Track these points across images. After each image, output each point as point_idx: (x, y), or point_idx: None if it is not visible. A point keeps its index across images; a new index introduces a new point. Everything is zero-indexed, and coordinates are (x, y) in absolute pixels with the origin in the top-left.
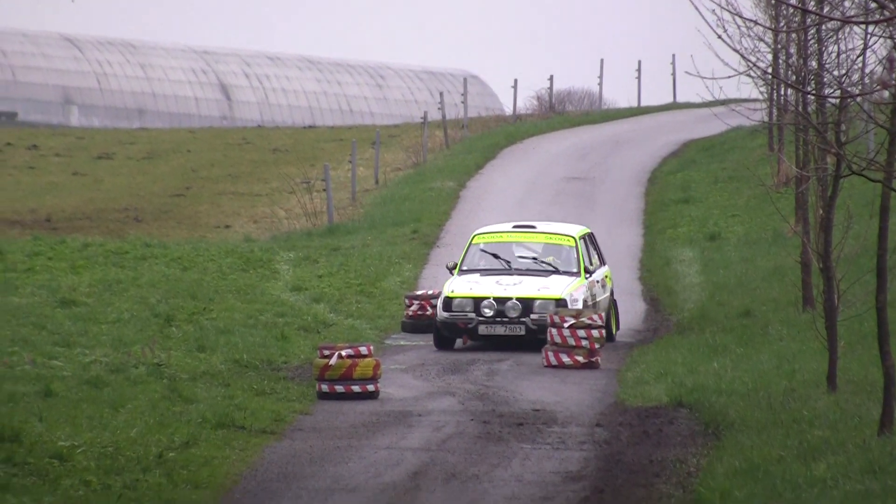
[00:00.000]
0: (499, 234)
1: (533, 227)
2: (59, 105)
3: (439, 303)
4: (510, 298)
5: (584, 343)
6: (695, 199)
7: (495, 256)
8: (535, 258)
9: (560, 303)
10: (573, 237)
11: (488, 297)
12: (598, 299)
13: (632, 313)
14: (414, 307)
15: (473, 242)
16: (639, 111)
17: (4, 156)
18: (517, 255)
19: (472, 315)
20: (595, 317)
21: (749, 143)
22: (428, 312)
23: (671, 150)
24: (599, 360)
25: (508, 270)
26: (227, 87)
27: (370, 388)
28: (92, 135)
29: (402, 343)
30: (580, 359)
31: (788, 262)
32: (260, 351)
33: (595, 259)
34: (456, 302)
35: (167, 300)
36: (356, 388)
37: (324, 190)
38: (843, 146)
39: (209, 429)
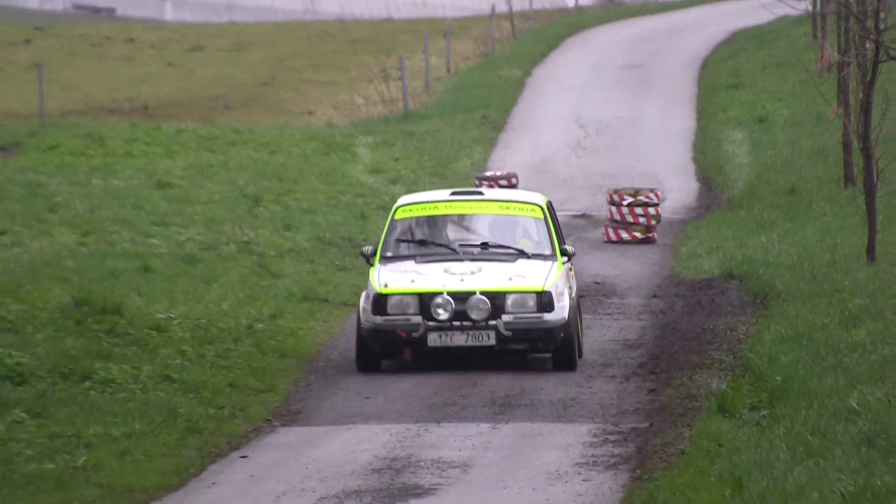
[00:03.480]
0: (432, 206)
1: (480, 193)
2: (154, 0)
3: (365, 304)
4: (472, 293)
5: (641, 220)
6: (744, 84)
7: (423, 242)
8: (485, 243)
9: (543, 297)
10: (540, 206)
11: (441, 293)
12: (573, 293)
13: (685, 191)
14: (483, 187)
15: (396, 218)
16: (692, 2)
17: (104, 49)
18: (455, 235)
19: (418, 319)
20: (651, 195)
21: (794, 31)
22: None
23: (722, 39)
24: (656, 236)
25: (455, 254)
26: None
27: None
28: (184, 28)
29: None
30: (638, 234)
31: (831, 142)
32: (341, 229)
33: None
34: (393, 301)
35: (255, 182)
36: None
37: (399, 79)
38: (881, 33)
39: (294, 302)
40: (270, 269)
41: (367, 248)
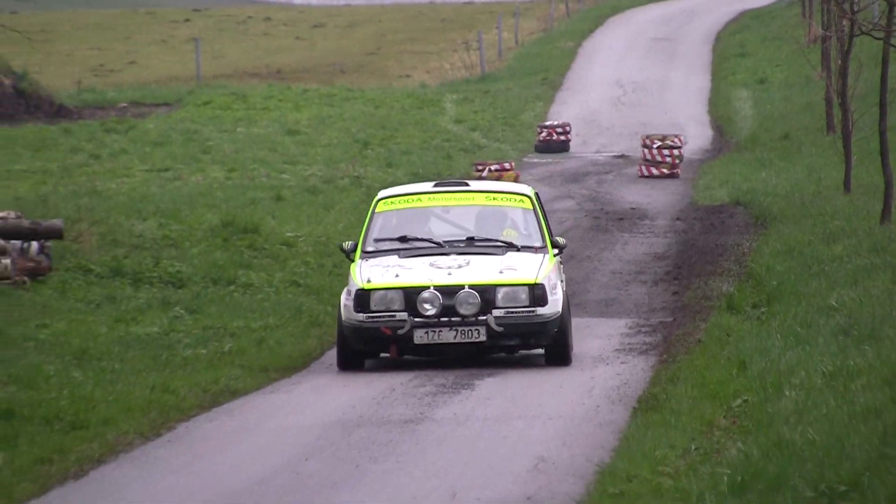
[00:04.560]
0: (415, 198)
1: (465, 184)
2: None
3: (346, 300)
4: (461, 287)
5: (667, 159)
6: (748, 53)
7: (406, 237)
8: (470, 238)
9: (536, 290)
10: (528, 196)
11: (427, 287)
12: (563, 287)
13: (702, 137)
14: (543, 134)
15: (378, 211)
16: None
17: (247, 26)
18: (440, 228)
19: (404, 315)
20: (676, 140)
21: (788, 12)
22: (554, 138)
23: (731, 18)
24: (679, 172)
25: (440, 248)
26: None
27: None
28: (310, 10)
29: (534, 160)
30: (665, 170)
31: (816, 99)
32: (431, 166)
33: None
34: (377, 297)
35: (364, 130)
36: None
37: (477, 49)
38: (855, 14)
39: None
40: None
41: (347, 244)
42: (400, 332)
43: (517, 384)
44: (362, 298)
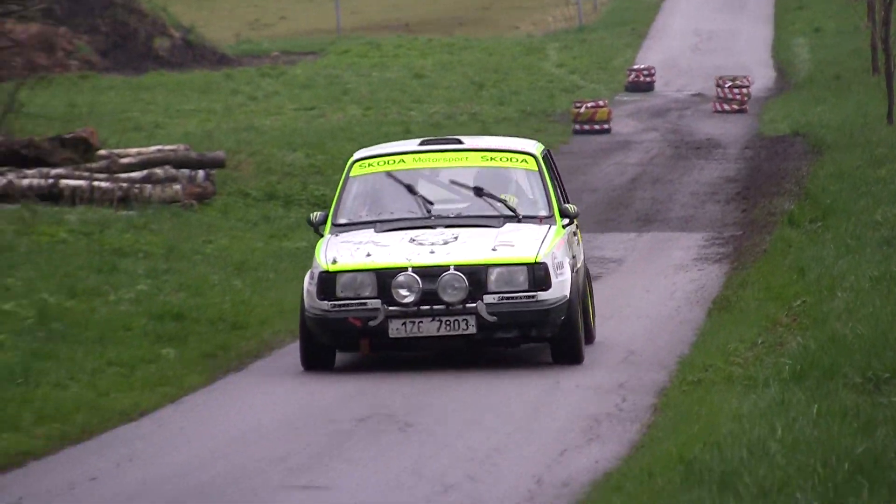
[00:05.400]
0: (397, 159)
1: (458, 142)
2: None
3: (309, 286)
4: (446, 267)
5: (737, 97)
6: (805, 6)
7: (384, 205)
8: (480, 189)
9: (536, 271)
10: (533, 155)
11: (405, 268)
12: (578, 265)
13: (766, 78)
14: (632, 76)
15: (352, 175)
16: None
17: None
18: (427, 194)
19: (377, 303)
20: (744, 80)
21: None
22: (641, 80)
23: None
24: (747, 108)
25: (427, 218)
26: None
27: (606, 126)
28: None
29: (624, 98)
30: (735, 107)
31: (863, 45)
32: (537, 104)
33: (559, 192)
34: (344, 280)
35: (479, 74)
36: (597, 127)
37: (576, 4)
38: None
39: None
40: (490, 130)
41: (316, 215)
42: (372, 323)
43: (610, 287)
44: (327, 283)
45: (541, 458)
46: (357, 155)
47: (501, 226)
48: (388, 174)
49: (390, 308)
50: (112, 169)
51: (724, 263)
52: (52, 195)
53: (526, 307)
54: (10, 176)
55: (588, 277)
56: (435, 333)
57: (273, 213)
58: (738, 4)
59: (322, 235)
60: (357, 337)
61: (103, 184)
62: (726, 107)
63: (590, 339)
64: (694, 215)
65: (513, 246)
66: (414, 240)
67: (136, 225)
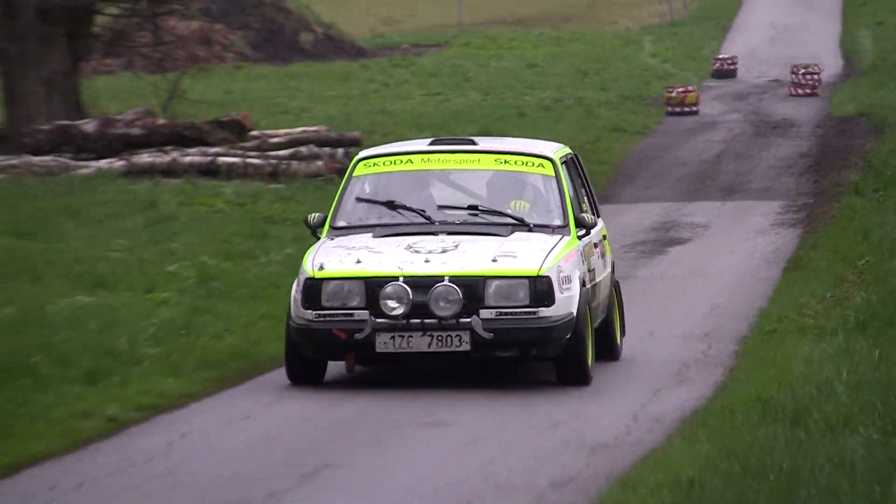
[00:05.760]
0: (405, 159)
1: (471, 142)
2: None
3: (295, 293)
4: (440, 278)
5: (809, 82)
6: (869, 2)
7: (389, 205)
8: (475, 206)
9: (538, 285)
10: (550, 160)
11: (395, 278)
12: (597, 279)
13: (835, 66)
14: (717, 64)
15: (356, 174)
16: None
17: None
18: (436, 198)
19: (365, 314)
20: (816, 67)
21: None
22: (725, 67)
23: None
24: (818, 92)
25: (429, 225)
26: None
27: (694, 109)
28: None
29: (711, 84)
30: (808, 91)
31: None
32: (634, 90)
33: (586, 201)
34: (330, 289)
35: (584, 63)
36: (686, 109)
37: (668, 1)
38: None
39: (607, 132)
40: (593, 112)
41: (314, 216)
42: (358, 336)
43: (696, 250)
44: (312, 290)
45: (637, 397)
46: (362, 154)
47: (509, 234)
48: (393, 175)
49: (378, 320)
50: (263, 147)
51: (797, 228)
52: (210, 171)
53: (526, 324)
54: (174, 154)
55: (617, 290)
56: (426, 349)
57: None
58: (809, 1)
59: (318, 237)
60: (341, 350)
61: (255, 160)
62: (800, 91)
63: (614, 356)
64: (771, 186)
65: (515, 257)
66: (411, 247)
67: (284, 196)
